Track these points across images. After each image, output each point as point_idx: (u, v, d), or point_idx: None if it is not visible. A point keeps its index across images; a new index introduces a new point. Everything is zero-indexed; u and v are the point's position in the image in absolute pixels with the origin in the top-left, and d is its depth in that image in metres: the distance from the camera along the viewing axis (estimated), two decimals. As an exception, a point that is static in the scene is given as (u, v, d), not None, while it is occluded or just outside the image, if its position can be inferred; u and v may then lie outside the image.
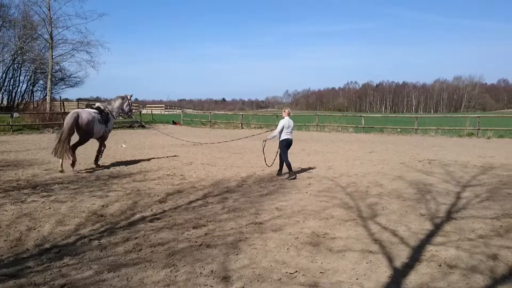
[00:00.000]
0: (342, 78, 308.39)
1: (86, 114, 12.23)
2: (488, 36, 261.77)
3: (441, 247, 5.51)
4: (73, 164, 11.85)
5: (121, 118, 14.39)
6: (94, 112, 12.56)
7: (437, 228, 6.41)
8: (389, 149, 17.97)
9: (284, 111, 11.67)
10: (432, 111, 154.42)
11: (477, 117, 27.04)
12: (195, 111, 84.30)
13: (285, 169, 11.18)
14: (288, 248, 5.47)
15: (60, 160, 11.49)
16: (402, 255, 5.21)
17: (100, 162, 12.99)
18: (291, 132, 11.26)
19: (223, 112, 61.88)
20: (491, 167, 12.31)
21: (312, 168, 12.40)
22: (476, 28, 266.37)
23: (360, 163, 13.59)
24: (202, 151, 17.18)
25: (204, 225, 6.55)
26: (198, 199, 8.42)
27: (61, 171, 11.43)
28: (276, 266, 4.84)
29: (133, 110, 14.93)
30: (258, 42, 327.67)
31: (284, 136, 11.10)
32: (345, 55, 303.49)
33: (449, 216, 7.07)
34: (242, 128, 34.77)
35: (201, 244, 5.61)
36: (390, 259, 5.06)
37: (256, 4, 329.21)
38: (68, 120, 11.78)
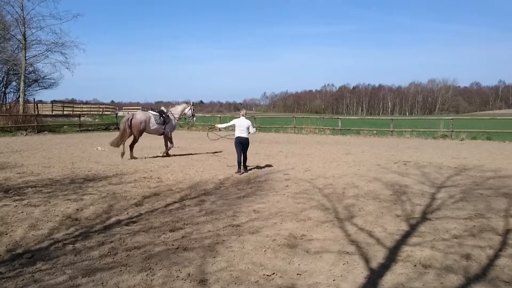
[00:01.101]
0: (319, 81, 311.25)
1: (140, 115, 15.50)
2: (461, 40, 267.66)
3: (416, 247, 5.59)
4: (122, 155, 15.01)
5: (184, 120, 18.45)
6: (153, 114, 15.49)
7: (412, 228, 6.50)
8: (366, 151, 18.17)
9: (240, 112, 12.87)
10: (407, 113, 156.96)
11: (451, 119, 27.58)
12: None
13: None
14: (265, 250, 5.46)
15: (119, 149, 15.16)
16: (378, 256, 5.26)
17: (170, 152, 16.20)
18: (243, 131, 12.11)
19: (200, 115, 61.58)
20: (464, 169, 12.55)
21: (289, 170, 12.43)
22: (449, 32, 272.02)
23: (337, 164, 13.70)
24: (179, 153, 17.08)
25: (181, 228, 6.50)
26: (175, 202, 8.36)
27: (122, 155, 15.01)
28: (253, 269, 4.83)
29: (195, 115, 17.57)
30: (236, 44, 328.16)
31: (236, 134, 12.19)
32: (323, 58, 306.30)
33: (424, 216, 7.18)
34: (220, 130, 34.58)
35: (178, 247, 5.56)
36: (366, 260, 5.11)
37: (234, 5, 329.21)
38: (123, 120, 15.38)
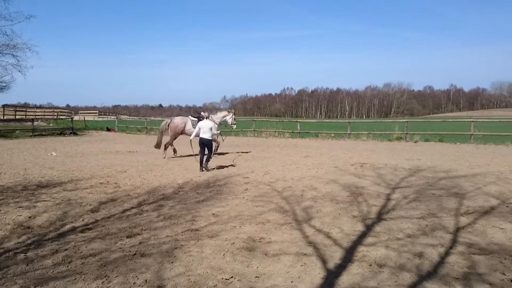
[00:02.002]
0: (279, 84, 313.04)
1: (178, 119, 17.30)
2: (414, 45, 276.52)
3: (372, 247, 5.72)
4: (174, 152, 17.32)
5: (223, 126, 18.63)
6: (191, 119, 17.02)
7: (368, 229, 6.65)
8: (324, 154, 18.44)
9: (204, 115, 14.40)
10: (364, 116, 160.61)
11: (405, 122, 28.35)
12: (131, 117, 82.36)
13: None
14: (224, 254, 5.46)
15: (163, 151, 17.05)
16: (335, 257, 5.36)
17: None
18: (205, 132, 13.23)
19: (160, 118, 60.85)
20: (418, 170, 12.94)
21: (249, 174, 12.47)
22: (403, 38, 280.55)
23: (296, 167, 13.84)
24: (138, 158, 16.81)
25: (139, 234, 6.40)
26: (132, 207, 8.23)
27: (168, 156, 17.12)
28: (211, 273, 4.81)
29: (234, 124, 18.10)
30: (195, 47, 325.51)
31: (200, 135, 13.30)
32: (282, 62, 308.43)
33: (379, 217, 7.36)
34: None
35: (135, 254, 5.48)
36: (323, 261, 5.19)
37: (193, 9, 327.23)
38: (162, 124, 17.84)
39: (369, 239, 6.10)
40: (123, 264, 5.11)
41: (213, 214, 7.67)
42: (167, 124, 17.41)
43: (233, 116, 17.80)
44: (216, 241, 6.04)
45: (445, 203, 8.38)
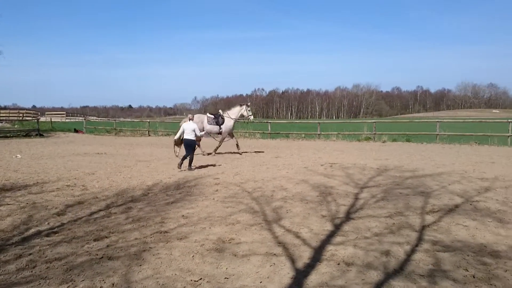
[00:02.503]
0: (250, 85, 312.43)
1: (196, 117, 17.29)
2: (383, 47, 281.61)
3: (340, 246, 5.80)
4: (209, 153, 18.38)
5: (242, 121, 20.39)
6: (208, 116, 18.29)
7: (337, 228, 6.73)
8: (294, 154, 18.57)
9: (188, 116, 14.54)
10: (334, 117, 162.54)
11: (374, 122, 28.81)
12: (99, 118, 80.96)
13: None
14: (193, 256, 5.43)
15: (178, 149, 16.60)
16: (304, 256, 5.40)
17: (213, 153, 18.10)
18: (189, 133, 13.58)
19: (129, 120, 60.08)
20: (386, 169, 13.19)
21: (219, 175, 12.43)
22: (372, 40, 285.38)
23: (266, 168, 13.89)
24: (106, 160, 16.53)
25: (106, 237, 6.30)
26: (100, 210, 8.08)
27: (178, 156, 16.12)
28: (180, 275, 4.78)
29: (250, 115, 18.81)
30: (165, 48, 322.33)
31: (184, 136, 13.71)
32: (253, 62, 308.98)
33: (348, 216, 7.46)
34: (149, 135, 34.00)
35: (102, 257, 5.38)
36: (292, 261, 5.22)
37: (162, 10, 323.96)
38: (181, 122, 17.53)
39: (337, 238, 6.17)
40: (90, 267, 5.02)
41: (183, 215, 7.62)
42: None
43: (247, 108, 18.55)
44: (186, 243, 6.00)
45: (411, 202, 8.56)
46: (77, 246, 5.86)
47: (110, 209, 8.19)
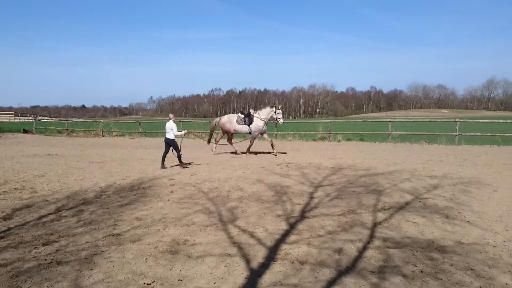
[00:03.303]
0: (207, 85, 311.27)
1: (225, 117, 18.71)
2: (338, 48, 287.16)
3: (294, 245, 5.86)
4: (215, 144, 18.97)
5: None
6: (238, 116, 18.28)
7: (291, 227, 6.80)
8: (250, 154, 18.60)
9: (169, 116, 14.91)
10: (290, 116, 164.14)
11: (329, 122, 29.27)
12: (51, 118, 78.37)
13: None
14: (146, 258, 5.34)
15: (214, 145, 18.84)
16: (258, 256, 5.43)
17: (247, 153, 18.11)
18: (168, 132, 14.23)
19: (82, 120, 58.46)
20: (340, 168, 13.43)
21: (175, 175, 12.29)
22: (327, 40, 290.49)
23: (223, 168, 13.85)
24: (57, 161, 15.99)
25: (56, 241, 6.10)
26: (50, 213, 7.83)
27: (216, 151, 18.74)
28: (133, 278, 4.69)
29: (280, 118, 18.00)
30: (119, 47, 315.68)
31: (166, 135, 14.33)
32: (209, 62, 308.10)
33: (302, 215, 7.55)
34: (103, 136, 33.20)
35: (51, 262, 5.21)
36: (247, 261, 5.23)
37: (118, 7, 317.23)
38: (212, 122, 19.78)
39: (292, 237, 6.24)
40: (38, 273, 4.85)
41: (137, 217, 7.49)
42: (216, 123, 19.05)
43: (277, 110, 17.91)
44: (139, 245, 5.90)
45: (364, 199, 8.76)
46: (24, 251, 5.65)
47: (60, 212, 7.94)
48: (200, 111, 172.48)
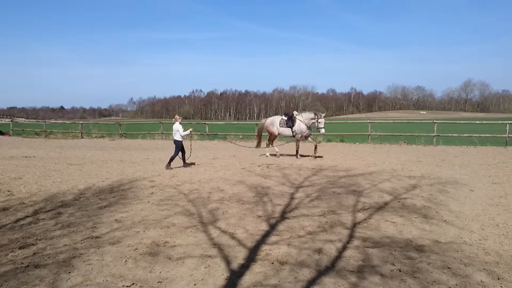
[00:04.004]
0: (187, 86, 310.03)
1: (269, 120, 18.54)
2: (318, 50, 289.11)
3: (275, 245, 5.88)
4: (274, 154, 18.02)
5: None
6: (282, 118, 17.81)
7: (272, 228, 6.82)
8: (232, 155, 18.59)
9: (178, 119, 14.75)
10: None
11: (310, 123, 29.45)
12: (28, 120, 77.08)
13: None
14: (126, 261, 5.30)
15: (266, 148, 18.52)
16: (239, 257, 5.43)
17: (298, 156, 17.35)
18: (174, 134, 14.38)
19: (60, 121, 57.60)
20: (320, 169, 13.52)
21: (155, 177, 12.21)
22: (308, 42, 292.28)
23: (204, 169, 13.82)
24: (35, 163, 15.73)
25: (33, 244, 6.01)
26: (27, 216, 7.70)
27: (270, 152, 18.42)
28: (112, 281, 4.65)
29: (322, 128, 16.92)
30: (99, 48, 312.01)
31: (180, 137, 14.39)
32: (191, 64, 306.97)
33: (283, 216, 7.58)
34: (82, 137, 32.78)
35: (28, 265, 5.13)
36: (227, 262, 5.24)
37: (97, 7, 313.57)
38: (259, 124, 19.80)
39: (272, 238, 6.26)
40: (14, 277, 4.77)
41: (116, 220, 7.42)
42: (262, 125, 18.90)
43: (320, 120, 16.90)
44: (118, 247, 5.85)
45: (344, 200, 8.84)
46: (0, 255, 5.54)
47: (38, 215, 7.82)
48: (181, 113, 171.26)
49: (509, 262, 5.24)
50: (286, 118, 17.71)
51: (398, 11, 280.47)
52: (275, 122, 18.00)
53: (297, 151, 17.48)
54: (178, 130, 14.28)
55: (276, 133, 18.06)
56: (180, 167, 14.39)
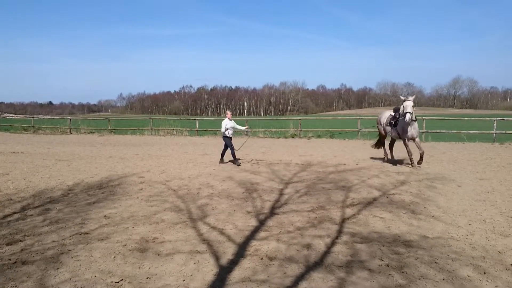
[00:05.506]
0: (177, 82, 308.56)
1: (380, 115, 15.13)
2: (308, 46, 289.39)
3: (264, 241, 5.90)
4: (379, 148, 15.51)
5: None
6: (390, 114, 14.38)
7: (261, 223, 6.84)
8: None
9: (227, 114, 14.35)
10: (262, 114, 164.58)
11: (299, 119, 29.53)
12: (16, 115, 76.27)
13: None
14: (114, 257, 5.29)
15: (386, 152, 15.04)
16: (228, 252, 5.44)
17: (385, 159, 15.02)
18: (229, 130, 13.97)
19: (49, 117, 57.07)
20: (310, 165, 13.57)
21: (144, 173, 12.17)
22: (298, 38, 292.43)
23: (193, 165, 13.80)
24: (23, 159, 15.60)
25: (21, 240, 5.97)
26: (15, 212, 7.64)
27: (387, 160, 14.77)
28: (100, 277, 4.64)
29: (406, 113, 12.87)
30: (88, 43, 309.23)
31: (228, 133, 14.03)
32: (181, 59, 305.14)
33: (272, 211, 7.60)
34: (71, 133, 32.54)
35: (15, 262, 5.10)
36: (216, 257, 5.24)
37: (85, 2, 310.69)
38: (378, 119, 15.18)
39: (261, 234, 6.28)
40: (1, 273, 4.74)
41: (105, 216, 7.39)
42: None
43: (406, 103, 13.29)
44: (107, 243, 5.83)
45: (333, 196, 8.88)
46: (-13, 252, 5.50)
47: (25, 211, 7.76)
48: (171, 108, 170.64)
49: (495, 257, 5.31)
50: (393, 114, 14.21)
51: (388, 8, 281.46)
52: (381, 119, 14.75)
53: (410, 156, 13.44)
54: (225, 126, 13.91)
55: (383, 133, 14.73)
56: (227, 162, 14.60)
